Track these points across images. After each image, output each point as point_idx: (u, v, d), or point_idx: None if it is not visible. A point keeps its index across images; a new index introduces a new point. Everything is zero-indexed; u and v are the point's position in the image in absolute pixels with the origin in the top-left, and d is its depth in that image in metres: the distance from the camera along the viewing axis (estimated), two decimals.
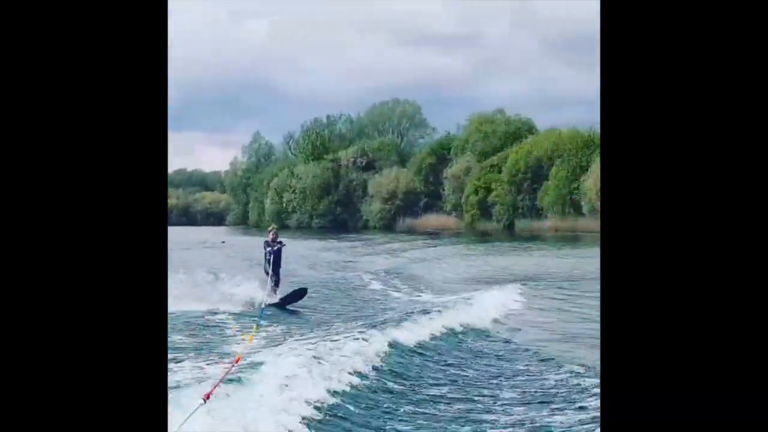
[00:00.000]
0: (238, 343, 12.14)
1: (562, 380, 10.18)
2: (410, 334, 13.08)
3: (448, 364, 11.70)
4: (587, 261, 30.68)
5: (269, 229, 20.41)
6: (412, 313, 16.02)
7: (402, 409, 8.90)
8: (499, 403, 9.19)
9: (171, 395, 5.78)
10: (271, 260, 18.75)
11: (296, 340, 12.05)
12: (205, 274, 19.66)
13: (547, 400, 9.12)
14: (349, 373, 9.78)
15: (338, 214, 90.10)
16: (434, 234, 66.81)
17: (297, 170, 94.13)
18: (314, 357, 9.92)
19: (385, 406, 9.02)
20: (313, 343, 11.17)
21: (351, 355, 10.55)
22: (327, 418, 8.09)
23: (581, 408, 8.59)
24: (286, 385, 8.36)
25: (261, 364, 9.21)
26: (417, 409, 8.96)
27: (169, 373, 7.19)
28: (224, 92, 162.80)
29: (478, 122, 77.75)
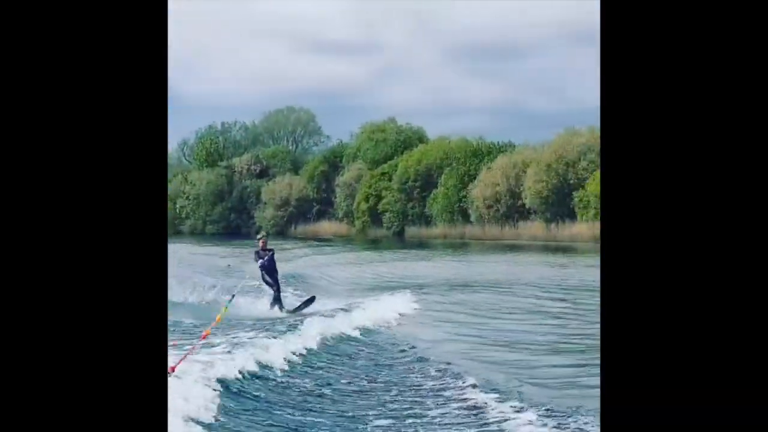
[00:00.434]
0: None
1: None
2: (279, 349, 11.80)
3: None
4: (472, 267, 31.98)
5: (259, 237, 20.25)
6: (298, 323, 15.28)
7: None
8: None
9: None
10: (268, 269, 19.13)
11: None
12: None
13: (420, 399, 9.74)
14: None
15: (232, 220, 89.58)
16: (326, 240, 67.47)
17: (191, 177, 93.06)
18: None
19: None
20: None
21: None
22: None
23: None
24: None
25: None
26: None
27: None
28: None
29: (370, 131, 78.83)
